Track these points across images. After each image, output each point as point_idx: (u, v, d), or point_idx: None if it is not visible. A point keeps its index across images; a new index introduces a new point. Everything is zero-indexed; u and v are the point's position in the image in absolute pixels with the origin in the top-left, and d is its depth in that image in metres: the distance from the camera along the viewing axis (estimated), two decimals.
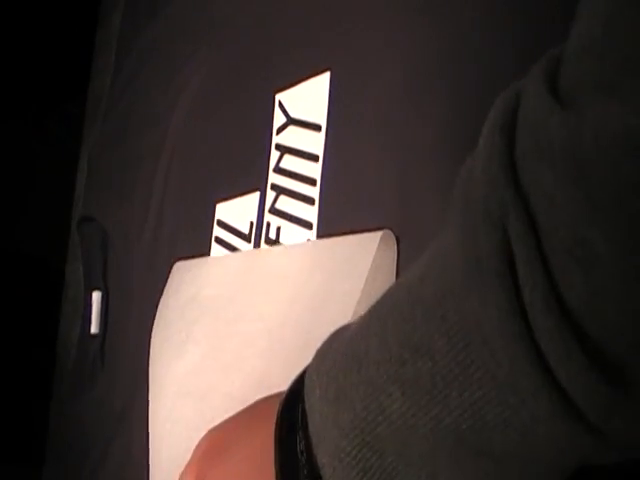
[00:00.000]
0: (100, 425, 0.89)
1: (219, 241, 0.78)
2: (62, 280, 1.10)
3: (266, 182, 0.74)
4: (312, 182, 0.70)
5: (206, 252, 0.79)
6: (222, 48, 0.85)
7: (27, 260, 1.23)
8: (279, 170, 0.74)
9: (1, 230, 1.21)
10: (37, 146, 1.30)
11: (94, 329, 0.93)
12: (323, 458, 0.40)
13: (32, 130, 1.30)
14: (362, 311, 0.42)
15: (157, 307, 0.84)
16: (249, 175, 0.76)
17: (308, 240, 0.68)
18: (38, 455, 0.98)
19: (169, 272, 0.84)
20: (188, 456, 0.52)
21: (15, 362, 1.12)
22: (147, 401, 0.82)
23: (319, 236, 0.68)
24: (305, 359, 0.46)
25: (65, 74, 1.28)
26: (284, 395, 0.46)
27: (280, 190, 0.73)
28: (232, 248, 0.76)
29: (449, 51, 0.63)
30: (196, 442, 0.52)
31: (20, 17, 1.24)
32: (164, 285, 0.86)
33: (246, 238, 0.75)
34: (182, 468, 0.52)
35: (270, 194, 0.74)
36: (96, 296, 0.93)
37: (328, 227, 0.68)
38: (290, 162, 0.73)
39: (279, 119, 0.75)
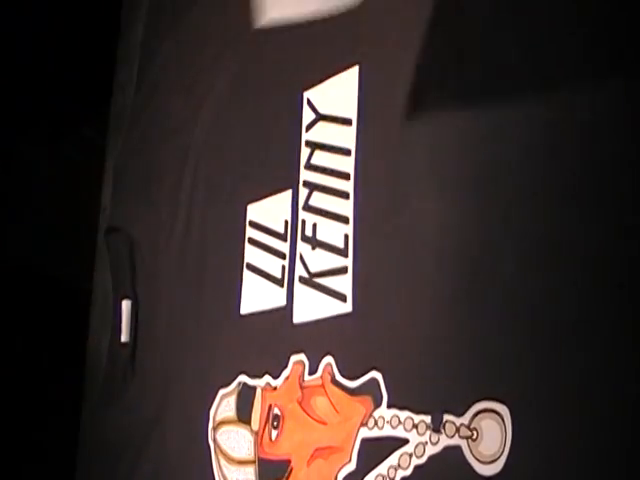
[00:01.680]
0: (132, 432, 0.89)
1: (253, 242, 0.78)
2: (89, 299, 1.09)
3: (298, 179, 0.74)
4: (346, 176, 0.69)
5: (239, 254, 0.79)
6: (246, 50, 0.85)
7: (53, 281, 1.23)
8: (310, 167, 0.73)
9: (25, 252, 1.21)
10: (54, 169, 1.30)
11: (124, 338, 0.92)
12: None
13: (48, 152, 1.31)
14: None
15: (186, 313, 0.84)
16: (280, 174, 0.76)
17: (346, 235, 0.68)
18: (69, 466, 0.98)
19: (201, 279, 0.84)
20: None
21: (45, 376, 1.11)
22: (180, 406, 0.82)
23: (356, 231, 0.67)
24: None
25: (83, 95, 1.28)
26: None
27: (313, 186, 0.73)
28: (267, 248, 0.76)
29: (477, 39, 0.62)
30: None
31: (37, 34, 1.24)
32: (194, 292, 0.86)
33: (282, 237, 0.75)
34: None
35: (303, 191, 0.74)
36: (125, 305, 0.93)
37: (365, 221, 0.67)
38: (321, 158, 0.72)
39: (308, 116, 0.75)
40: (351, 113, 0.71)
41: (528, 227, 0.55)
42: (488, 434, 0.54)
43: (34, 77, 1.25)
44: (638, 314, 0.48)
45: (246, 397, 0.75)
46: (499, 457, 0.53)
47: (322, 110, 0.74)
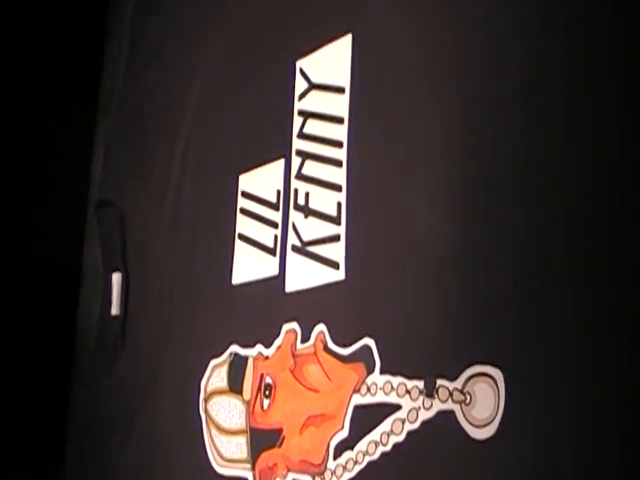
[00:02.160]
0: (123, 405, 0.89)
1: (244, 212, 0.78)
2: (78, 278, 1.09)
3: (290, 148, 0.74)
4: (339, 144, 0.69)
5: (231, 224, 0.79)
6: (239, 20, 0.85)
7: (42, 261, 1.22)
8: (303, 135, 0.73)
9: (17, 235, 1.20)
10: (44, 151, 1.29)
11: (114, 310, 0.92)
12: None
13: (38, 133, 1.29)
14: None
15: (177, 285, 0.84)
16: (272, 143, 0.76)
17: (338, 202, 0.68)
18: (59, 438, 0.98)
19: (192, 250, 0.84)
20: None
21: (34, 349, 1.11)
22: (171, 378, 0.82)
23: (349, 199, 0.67)
24: None
25: (70, 74, 1.27)
26: None
27: (306, 155, 0.72)
28: (259, 218, 0.76)
29: (468, 11, 0.62)
30: None
31: (22, 12, 1.23)
32: (185, 263, 0.85)
33: (274, 206, 0.74)
34: None
35: (296, 160, 0.73)
36: (116, 277, 0.93)
37: (358, 189, 0.67)
38: (314, 126, 0.72)
39: (301, 85, 0.75)
40: (344, 81, 0.70)
41: (519, 185, 0.55)
42: (481, 398, 0.54)
43: (20, 56, 1.24)
44: (631, 279, 0.48)
45: (238, 367, 0.75)
46: (492, 421, 0.53)
47: (315, 79, 0.74)
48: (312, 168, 0.71)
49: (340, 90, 0.70)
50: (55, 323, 1.11)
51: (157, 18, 1.00)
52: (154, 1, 1.00)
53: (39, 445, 1.06)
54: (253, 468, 0.71)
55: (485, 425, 0.53)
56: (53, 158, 1.23)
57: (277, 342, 0.71)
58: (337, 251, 0.67)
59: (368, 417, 0.61)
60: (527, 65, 0.56)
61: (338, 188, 0.68)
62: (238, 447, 0.73)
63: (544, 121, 0.54)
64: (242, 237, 0.78)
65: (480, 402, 0.54)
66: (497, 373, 0.53)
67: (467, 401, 0.54)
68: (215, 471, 0.75)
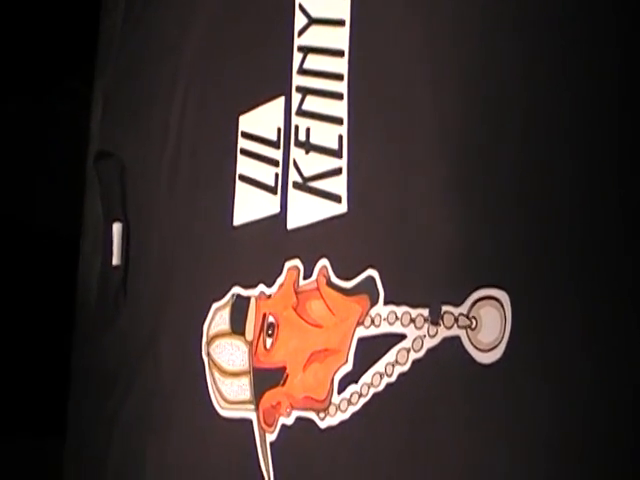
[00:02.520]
0: (126, 355, 0.88)
1: (245, 153, 0.77)
2: (78, 246, 1.08)
3: (290, 85, 0.73)
4: (339, 77, 0.68)
5: (232, 165, 0.77)
6: None
7: (42, 229, 1.22)
8: (303, 71, 0.72)
9: (12, 203, 1.20)
10: (43, 124, 1.28)
11: (115, 261, 0.91)
12: None
13: (33, 103, 1.29)
14: None
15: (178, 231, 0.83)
16: (271, 81, 0.75)
17: (340, 135, 0.66)
18: (61, 393, 0.97)
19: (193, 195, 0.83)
20: None
21: (36, 309, 1.10)
22: (173, 324, 0.81)
23: (351, 131, 0.66)
24: None
25: (67, 46, 1.26)
26: None
27: (306, 91, 0.71)
28: (260, 157, 0.75)
29: None
30: None
31: None
32: (186, 209, 0.84)
33: (275, 145, 0.73)
34: None
35: (296, 96, 0.72)
36: (117, 227, 0.92)
37: (359, 121, 0.66)
38: (314, 61, 0.71)
39: (300, 21, 0.74)
40: (344, 14, 0.69)
41: (525, 109, 0.53)
42: (487, 322, 0.53)
43: (16, 29, 1.23)
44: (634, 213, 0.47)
45: (240, 308, 0.74)
46: (498, 344, 0.52)
47: (314, 13, 0.72)
48: (313, 103, 0.70)
49: (340, 23, 0.69)
50: (56, 281, 1.11)
51: None
52: None
53: (41, 404, 1.05)
54: (257, 408, 0.70)
55: (491, 349, 0.52)
56: (52, 122, 1.23)
57: (279, 280, 0.70)
58: (339, 184, 0.66)
59: (372, 349, 0.60)
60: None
61: (339, 121, 0.67)
62: (241, 388, 0.72)
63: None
64: (243, 178, 0.76)
65: (486, 326, 0.53)
66: (503, 295, 0.52)
67: (473, 326, 0.53)
68: (218, 414, 0.74)
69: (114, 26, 1.05)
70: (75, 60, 1.20)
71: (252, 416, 0.70)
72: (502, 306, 0.52)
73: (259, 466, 0.67)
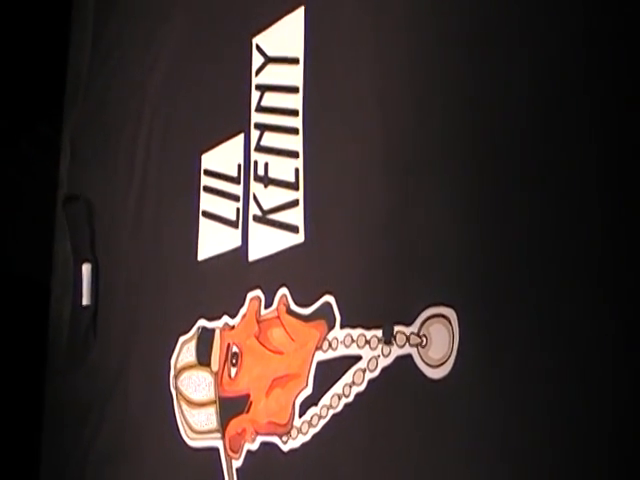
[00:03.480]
0: (96, 392, 0.89)
1: (208, 189, 0.79)
2: (48, 290, 1.09)
3: (249, 122, 0.76)
4: (294, 113, 0.71)
5: (195, 202, 0.80)
6: (197, 5, 0.86)
7: (13, 275, 1.23)
8: (261, 109, 0.75)
9: None
10: (12, 169, 1.30)
11: (85, 301, 0.93)
12: None
13: (5, 152, 1.30)
14: None
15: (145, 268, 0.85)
16: (232, 120, 0.78)
17: (296, 169, 0.69)
18: (35, 428, 0.98)
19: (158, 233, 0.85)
20: None
21: (8, 346, 1.11)
22: (141, 359, 0.83)
23: (306, 164, 0.69)
24: None
25: (37, 92, 1.28)
26: None
27: (264, 127, 0.74)
28: (222, 193, 0.77)
29: None
30: None
31: None
32: (151, 246, 0.86)
33: (235, 180, 0.76)
34: None
35: (254, 133, 0.75)
36: (86, 268, 0.94)
37: (314, 154, 0.68)
38: (271, 99, 0.74)
39: (257, 61, 0.77)
40: (298, 52, 0.72)
41: (469, 140, 0.56)
42: (437, 339, 0.55)
43: None
44: (582, 229, 0.49)
45: (205, 340, 0.76)
46: (447, 359, 0.54)
47: (270, 53, 0.75)
48: (270, 139, 0.73)
49: (295, 61, 0.72)
50: (28, 321, 1.12)
51: (119, 9, 1.01)
52: None
53: (16, 440, 1.06)
54: (223, 437, 0.72)
55: (441, 365, 0.54)
56: (22, 171, 1.24)
57: (242, 311, 0.72)
58: (296, 215, 0.68)
59: (331, 372, 0.62)
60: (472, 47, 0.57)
61: (295, 155, 0.69)
62: (208, 418, 0.74)
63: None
64: (206, 214, 0.79)
65: (435, 343, 0.55)
66: (451, 313, 0.54)
67: (423, 343, 0.56)
68: (187, 444, 0.76)
69: (80, 72, 1.07)
70: (43, 106, 1.22)
71: (219, 444, 0.72)
72: (450, 323, 0.54)
73: None
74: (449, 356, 0.54)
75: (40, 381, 1.00)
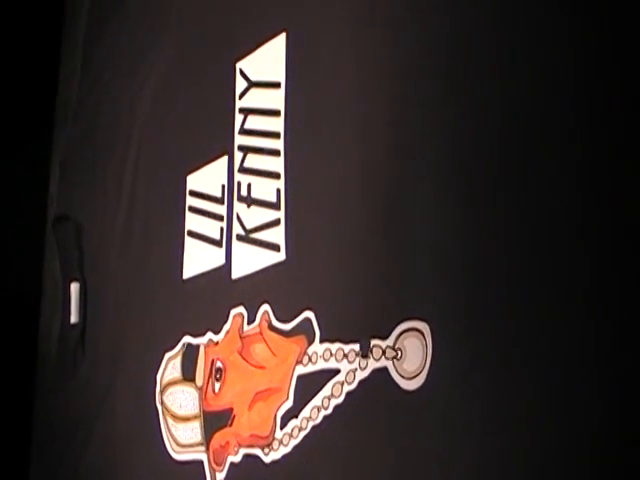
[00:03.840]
0: (84, 408, 0.91)
1: (193, 210, 0.82)
2: (38, 308, 1.11)
3: (233, 145, 0.78)
4: (276, 135, 0.73)
5: (180, 222, 0.82)
6: (183, 30, 0.89)
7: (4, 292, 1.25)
8: (244, 131, 0.77)
9: None
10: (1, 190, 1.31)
11: (74, 319, 0.95)
12: None
13: None
14: None
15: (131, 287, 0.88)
16: (216, 142, 0.80)
17: (278, 189, 0.71)
18: (23, 445, 1.00)
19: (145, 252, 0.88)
20: None
21: None
22: (128, 376, 0.85)
23: (287, 184, 0.71)
24: None
25: (27, 112, 1.30)
26: None
27: (247, 149, 0.76)
28: (206, 213, 0.80)
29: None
30: None
31: None
32: (138, 265, 0.89)
33: (219, 201, 0.78)
34: None
35: (238, 155, 0.77)
36: (74, 287, 0.96)
37: (295, 175, 0.71)
38: (254, 122, 0.76)
39: (241, 85, 0.79)
40: (280, 76, 0.74)
41: (445, 161, 0.59)
42: (411, 352, 0.57)
43: None
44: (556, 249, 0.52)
45: (190, 356, 0.78)
46: (421, 371, 0.57)
47: (253, 77, 0.78)
48: (253, 160, 0.75)
49: (276, 85, 0.74)
50: (17, 339, 1.14)
51: (108, 33, 1.04)
52: (108, 12, 1.04)
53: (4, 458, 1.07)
54: (207, 449, 0.74)
55: (415, 376, 0.57)
56: (10, 189, 1.26)
57: (225, 327, 0.74)
58: (278, 234, 0.70)
59: (310, 385, 0.64)
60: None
61: (277, 176, 0.72)
62: (193, 432, 0.76)
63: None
64: (191, 233, 0.81)
65: (410, 356, 0.57)
66: (424, 326, 0.57)
67: (398, 356, 0.58)
68: (172, 458, 0.77)
69: (70, 94, 1.10)
70: (33, 127, 1.24)
71: (203, 457, 0.74)
72: (424, 336, 0.57)
73: None
74: (423, 368, 0.57)
75: (29, 398, 1.01)
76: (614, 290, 0.47)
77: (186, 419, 0.77)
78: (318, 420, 0.63)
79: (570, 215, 0.50)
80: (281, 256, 0.70)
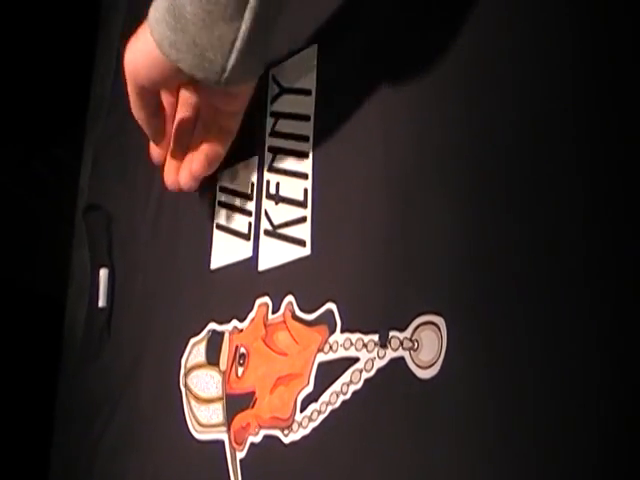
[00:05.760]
0: (107, 390, 0.96)
1: (222, 204, 0.87)
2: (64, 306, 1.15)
3: (263, 146, 0.83)
4: (305, 139, 0.78)
5: (210, 217, 0.87)
6: None
7: (31, 293, 1.29)
8: (274, 133, 0.82)
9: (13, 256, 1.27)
10: (29, 190, 1.35)
11: (101, 303, 0.99)
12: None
13: (20, 172, 1.36)
14: None
15: (160, 275, 0.92)
16: (248, 142, 0.85)
17: (305, 189, 0.77)
18: (46, 425, 1.04)
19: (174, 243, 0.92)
20: None
21: (22, 346, 1.17)
22: (153, 359, 0.90)
23: (314, 185, 0.76)
24: None
25: (55, 114, 1.34)
26: None
27: (276, 150, 0.81)
28: (235, 208, 0.84)
29: (429, 21, 0.72)
30: None
31: (8, 55, 1.29)
32: (167, 255, 0.94)
33: (249, 197, 0.83)
34: None
35: (268, 156, 0.82)
36: (103, 272, 1.01)
37: (322, 176, 0.76)
38: (284, 125, 0.82)
39: (273, 90, 0.84)
40: (311, 84, 0.80)
41: (463, 167, 0.64)
42: (427, 343, 0.63)
43: (5, 97, 1.30)
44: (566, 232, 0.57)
45: (215, 342, 0.83)
46: (436, 362, 0.62)
47: (285, 84, 0.83)
48: (282, 161, 0.80)
49: (307, 92, 0.79)
50: (44, 328, 1.18)
51: None
52: (142, 16, 1.08)
53: (27, 435, 1.12)
54: (228, 430, 0.78)
55: (430, 366, 0.62)
56: (38, 188, 1.31)
57: (251, 316, 0.79)
58: (304, 231, 0.76)
59: (330, 372, 0.69)
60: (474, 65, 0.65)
61: (305, 176, 0.77)
62: (215, 413, 0.80)
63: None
64: (220, 227, 0.86)
65: (426, 347, 0.62)
66: (440, 320, 0.62)
67: (415, 347, 0.63)
68: (194, 437, 0.82)
69: (105, 90, 1.15)
70: (67, 123, 1.28)
71: (224, 437, 0.79)
72: (439, 329, 0.62)
73: None
74: (437, 359, 0.62)
75: (53, 380, 1.06)
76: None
77: (209, 401, 0.81)
78: (337, 405, 0.68)
79: (583, 212, 0.55)
80: (306, 251, 0.75)
